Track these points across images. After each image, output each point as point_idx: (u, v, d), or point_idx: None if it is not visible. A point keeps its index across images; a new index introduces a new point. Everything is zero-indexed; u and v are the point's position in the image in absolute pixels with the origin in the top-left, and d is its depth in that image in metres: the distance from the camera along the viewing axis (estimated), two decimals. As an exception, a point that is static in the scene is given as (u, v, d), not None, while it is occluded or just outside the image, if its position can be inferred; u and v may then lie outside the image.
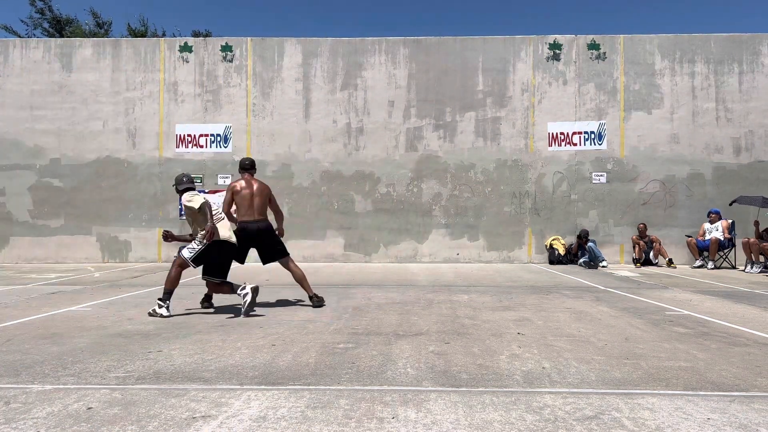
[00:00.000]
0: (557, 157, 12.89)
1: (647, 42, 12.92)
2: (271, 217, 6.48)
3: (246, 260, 6.36)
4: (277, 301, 6.62)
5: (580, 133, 12.88)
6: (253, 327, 4.95)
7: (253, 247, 6.25)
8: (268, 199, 6.35)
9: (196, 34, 24.46)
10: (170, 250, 12.89)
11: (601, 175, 12.83)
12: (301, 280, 6.28)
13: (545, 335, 4.59)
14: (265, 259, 6.32)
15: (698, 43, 12.86)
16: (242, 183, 6.27)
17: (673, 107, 12.81)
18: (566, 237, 12.67)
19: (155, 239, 12.96)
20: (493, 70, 13.03)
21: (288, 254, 6.38)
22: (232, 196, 6.22)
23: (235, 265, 6.12)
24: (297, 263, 6.42)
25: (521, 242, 12.85)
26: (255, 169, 6.54)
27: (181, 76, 13.17)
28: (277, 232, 6.39)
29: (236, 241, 5.97)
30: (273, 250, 6.28)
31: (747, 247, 10.90)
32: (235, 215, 6.29)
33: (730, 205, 11.74)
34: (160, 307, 5.54)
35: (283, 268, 6.34)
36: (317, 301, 6.19)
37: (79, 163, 13.01)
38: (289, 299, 6.75)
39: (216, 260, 5.76)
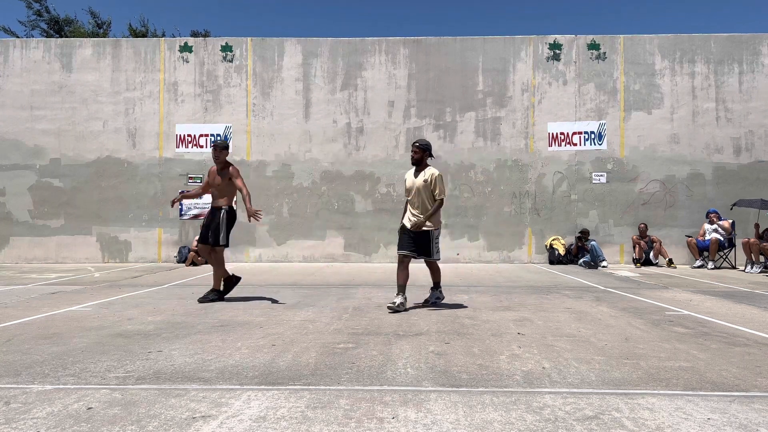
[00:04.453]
0: (557, 157, 12.89)
1: (647, 42, 12.91)
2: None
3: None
4: (277, 301, 6.62)
5: (580, 133, 12.88)
6: (253, 327, 4.95)
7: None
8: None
9: (195, 34, 24.46)
10: (170, 250, 12.89)
11: (601, 175, 12.83)
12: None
13: (545, 335, 4.59)
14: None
15: (698, 43, 12.86)
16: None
17: (673, 107, 12.80)
18: (566, 237, 12.66)
19: (155, 239, 12.96)
20: (493, 70, 13.03)
21: (219, 244, 6.42)
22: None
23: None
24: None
25: (521, 242, 12.85)
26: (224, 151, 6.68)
27: (181, 76, 13.17)
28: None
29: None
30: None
31: (747, 248, 10.90)
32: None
33: (731, 209, 11.72)
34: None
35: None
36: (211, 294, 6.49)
37: (79, 163, 13.01)
38: (289, 299, 6.75)
39: None
